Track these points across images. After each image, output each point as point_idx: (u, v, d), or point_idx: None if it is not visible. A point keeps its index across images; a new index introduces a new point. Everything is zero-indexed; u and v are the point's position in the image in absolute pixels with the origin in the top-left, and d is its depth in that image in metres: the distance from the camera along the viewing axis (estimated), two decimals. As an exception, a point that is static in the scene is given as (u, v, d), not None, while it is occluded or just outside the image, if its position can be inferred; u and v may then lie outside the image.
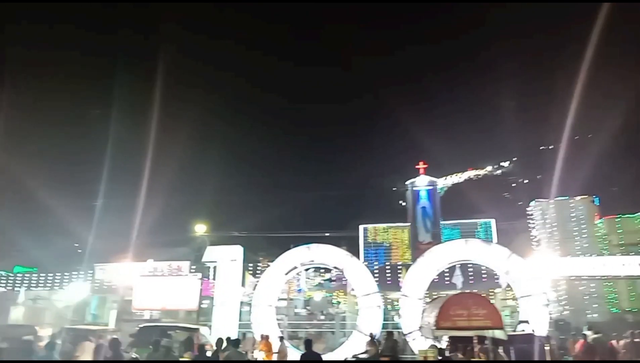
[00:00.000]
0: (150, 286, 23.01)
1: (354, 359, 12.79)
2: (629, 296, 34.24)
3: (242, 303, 22.31)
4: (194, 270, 25.91)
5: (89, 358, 11.45)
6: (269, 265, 20.43)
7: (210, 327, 19.35)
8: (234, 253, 20.85)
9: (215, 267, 21.12)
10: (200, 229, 27.81)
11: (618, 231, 39.52)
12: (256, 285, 20.40)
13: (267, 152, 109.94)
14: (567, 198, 41.64)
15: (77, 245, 39.88)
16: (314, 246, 19.63)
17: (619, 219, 40.35)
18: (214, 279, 21.32)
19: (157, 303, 22.78)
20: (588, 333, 14.44)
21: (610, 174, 56.66)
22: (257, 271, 27.24)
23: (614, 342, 14.75)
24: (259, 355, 13.78)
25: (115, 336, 11.93)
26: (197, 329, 16.75)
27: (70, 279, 30.09)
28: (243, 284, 23.96)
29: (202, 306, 22.59)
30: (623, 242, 37.65)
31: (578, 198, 41.77)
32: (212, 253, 20.96)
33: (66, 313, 26.82)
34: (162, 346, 11.15)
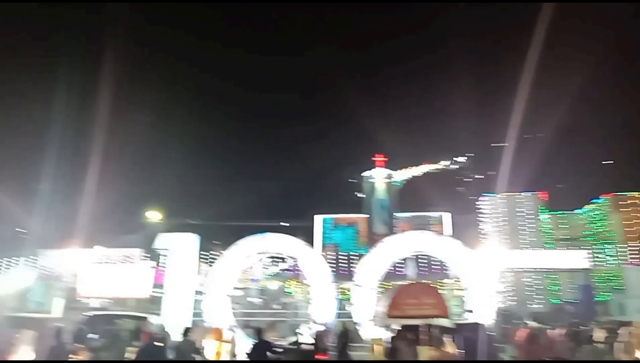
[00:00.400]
0: (99, 273, 22.33)
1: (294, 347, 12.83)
2: (569, 288, 36.05)
3: (196, 292, 22.00)
4: (146, 258, 25.31)
5: (28, 347, 11.00)
6: (222, 254, 20.19)
7: (160, 315, 18.97)
8: (189, 241, 20.52)
9: (167, 255, 20.69)
10: (154, 216, 27.11)
11: (562, 226, 41.55)
12: (209, 272, 20.16)
13: (225, 141, 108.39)
14: (515, 193, 43.33)
15: (20, 230, 38.15)
16: (269, 235, 19.58)
17: (563, 214, 42.42)
18: (165, 267, 20.88)
19: (106, 291, 22.15)
20: (531, 322, 15.14)
21: (558, 171, 59.37)
22: (212, 260, 26.92)
23: (555, 331, 15.53)
24: (209, 343, 13.64)
25: (59, 325, 11.52)
26: (145, 318, 16.39)
27: (13, 265, 28.77)
28: (198, 273, 23.61)
29: (154, 294, 22.11)
30: (567, 236, 39.62)
31: (526, 193, 43.57)
32: (165, 241, 20.53)
33: (7, 301, 25.62)
34: (111, 334, 10.90)
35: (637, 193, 37.84)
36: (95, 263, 23.83)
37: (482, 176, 75.07)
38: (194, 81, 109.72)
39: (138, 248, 27.42)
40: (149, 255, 24.62)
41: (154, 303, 21.37)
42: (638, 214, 36.98)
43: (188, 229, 24.07)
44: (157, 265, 22.82)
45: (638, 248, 34.50)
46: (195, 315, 19.61)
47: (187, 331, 10.91)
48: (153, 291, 22.07)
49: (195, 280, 21.09)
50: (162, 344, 10.54)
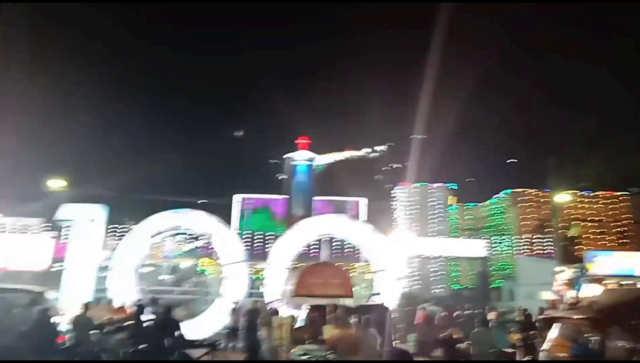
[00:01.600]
0: (-9, 243, 20.47)
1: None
2: (468, 274, 38.69)
3: (101, 268, 20.87)
4: (46, 229, 23.59)
5: None
6: (132, 227, 19.30)
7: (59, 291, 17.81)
8: (94, 212, 19.31)
9: (71, 227, 19.38)
10: (57, 184, 25.16)
11: (467, 217, 44.31)
12: (116, 247, 19.19)
13: (142, 108, 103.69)
14: (427, 184, 45.49)
15: None
16: (182, 211, 18.96)
17: (468, 206, 45.23)
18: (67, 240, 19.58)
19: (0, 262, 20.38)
20: (430, 306, 16.10)
21: (467, 166, 62.91)
22: (121, 234, 25.65)
23: (452, 313, 16.67)
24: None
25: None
26: (41, 293, 15.29)
27: None
28: (104, 247, 22.38)
29: (52, 269, 20.71)
30: (471, 227, 42.35)
31: (437, 185, 45.89)
32: (67, 211, 19.18)
33: None
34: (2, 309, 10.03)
35: (534, 190, 41.20)
36: (-14, 232, 21.81)
37: (400, 166, 78.12)
38: (113, 50, 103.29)
39: (38, 218, 25.51)
40: (50, 226, 22.96)
41: (51, 278, 20.02)
42: (533, 210, 40.32)
43: (95, 200, 22.71)
44: (59, 237, 21.37)
45: (530, 240, 37.72)
46: (99, 291, 18.59)
47: (86, 306, 10.32)
48: (53, 265, 20.67)
49: (99, 254, 19.98)
50: (55, 320, 9.89)
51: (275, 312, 12.16)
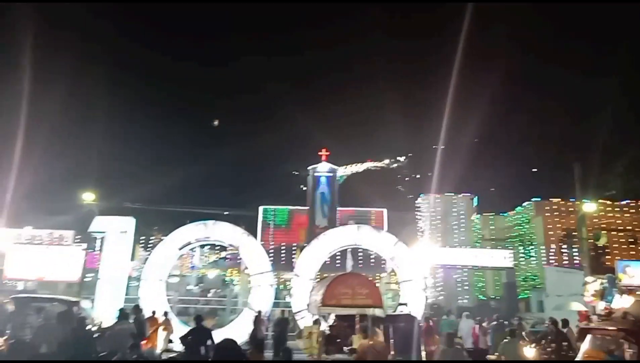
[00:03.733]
0: (27, 255, 21.08)
1: None
2: (494, 285, 38.01)
3: (131, 278, 21.29)
4: (78, 240, 24.17)
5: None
6: (162, 239, 19.67)
7: (92, 300, 18.22)
8: (125, 224, 19.78)
9: (102, 238, 19.87)
10: (88, 197, 25.83)
11: (491, 227, 43.64)
12: (147, 259, 19.57)
13: (169, 123, 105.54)
14: (450, 194, 45.06)
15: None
16: (210, 223, 19.24)
17: (492, 216, 44.57)
18: (100, 251, 20.04)
19: (34, 273, 20.95)
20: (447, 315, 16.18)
21: (490, 176, 62.14)
22: (149, 245, 26.08)
23: (483, 324, 16.52)
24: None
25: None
26: (77, 302, 15.66)
27: None
28: (133, 258, 22.83)
29: (86, 279, 21.20)
30: (494, 237, 41.68)
31: (460, 195, 45.39)
32: (101, 224, 19.69)
33: None
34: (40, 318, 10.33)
35: (559, 199, 40.40)
36: (24, 244, 22.47)
37: (420, 176, 77.47)
38: (135, 57, 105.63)
39: (71, 230, 26.11)
40: (82, 238, 23.53)
41: (85, 288, 20.50)
42: (559, 219, 39.53)
43: (125, 212, 23.22)
44: (91, 248, 21.87)
45: (557, 251, 36.93)
46: (128, 301, 18.95)
47: (127, 316, 10.53)
48: (85, 276, 21.16)
49: (130, 265, 20.39)
50: (93, 329, 10.11)
51: (317, 321, 12.20)
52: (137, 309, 12.29)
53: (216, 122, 72.46)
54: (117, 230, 19.49)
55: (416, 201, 47.55)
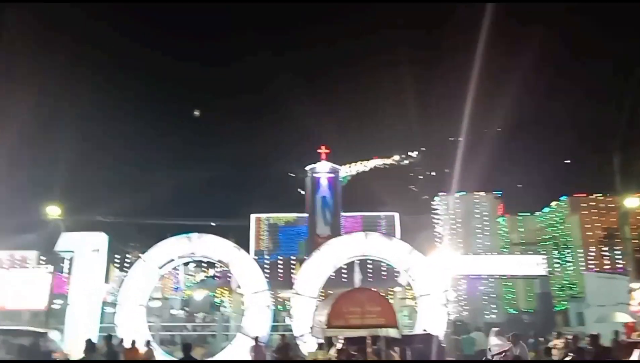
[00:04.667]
0: (-15, 281, 21.08)
1: None
2: (526, 296, 37.96)
3: (106, 303, 21.30)
4: (43, 262, 24.19)
5: None
6: (139, 257, 19.68)
7: (62, 331, 18.20)
8: (97, 241, 19.77)
9: (71, 259, 19.87)
10: (53, 211, 25.81)
11: (519, 229, 43.61)
12: (123, 280, 19.57)
13: (146, 124, 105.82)
14: (471, 193, 45.04)
15: None
16: (195, 236, 19.24)
17: (521, 217, 44.51)
18: (69, 273, 20.04)
19: (-5, 302, 20.94)
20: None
21: (516, 170, 62.15)
22: (126, 265, 26.08)
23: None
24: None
25: None
26: (44, 333, 15.67)
27: None
28: (107, 280, 22.85)
29: (54, 306, 21.18)
30: (523, 241, 41.63)
31: (483, 193, 45.39)
32: (68, 242, 19.68)
33: None
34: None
35: (599, 194, 40.16)
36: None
37: (435, 173, 77.37)
38: (110, 58, 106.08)
39: (34, 251, 26.14)
40: (48, 258, 23.53)
41: (53, 317, 20.47)
42: (599, 218, 39.32)
43: (97, 227, 23.23)
44: (58, 271, 21.88)
45: (597, 254, 36.89)
46: (104, 330, 18.94)
47: (90, 347, 10.52)
48: (53, 302, 21.14)
49: (104, 288, 20.40)
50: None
51: (323, 345, 12.18)
52: (108, 340, 12.26)
53: (197, 113, 72.62)
54: (87, 248, 19.46)
55: (432, 202, 47.55)
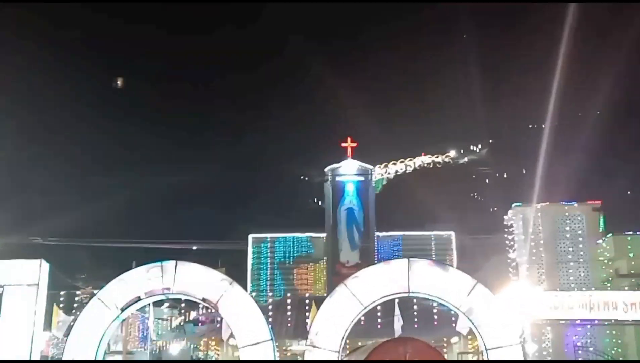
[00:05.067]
0: None
1: None
2: (638, 349, 37.39)
3: (47, 358, 21.45)
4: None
5: None
6: (93, 295, 19.77)
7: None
8: (33, 272, 19.88)
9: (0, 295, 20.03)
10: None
11: (629, 254, 42.95)
12: (71, 326, 19.68)
13: (94, 114, 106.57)
14: (559, 203, 44.59)
15: None
16: (170, 265, 19.27)
17: (630, 238, 43.83)
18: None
19: None
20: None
21: (623, 172, 61.26)
22: (74, 305, 26.26)
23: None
24: None
25: None
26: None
27: None
28: (50, 325, 22.98)
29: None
30: (634, 271, 41.00)
31: (575, 204, 44.89)
32: (-5, 273, 19.84)
33: None
34: None
35: None
36: None
37: (508, 176, 76.71)
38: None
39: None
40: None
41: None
42: None
43: (33, 253, 23.40)
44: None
45: None
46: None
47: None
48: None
49: (43, 337, 20.51)
50: None
51: None
52: None
53: (119, 82, 72.71)
54: (20, 282, 19.59)
55: (505, 216, 47.21)
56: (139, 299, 19.52)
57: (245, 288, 22.88)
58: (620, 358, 38.69)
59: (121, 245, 34.42)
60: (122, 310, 19.41)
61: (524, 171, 62.67)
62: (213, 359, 30.51)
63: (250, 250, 37.44)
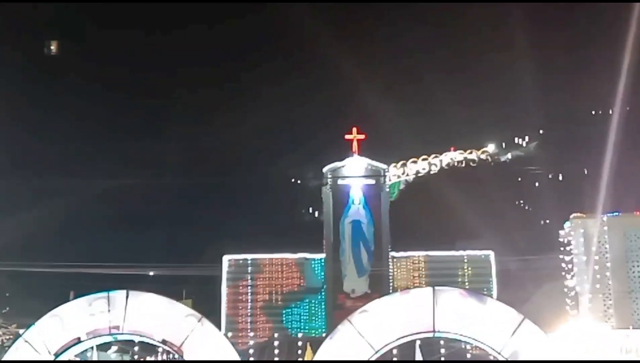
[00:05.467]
0: None
1: None
2: None
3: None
4: None
5: None
6: (18, 335, 19.85)
7: None
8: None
9: None
10: None
11: None
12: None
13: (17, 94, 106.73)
14: (633, 214, 44.71)
15: None
16: (119, 297, 19.34)
17: None
18: None
19: None
20: None
21: None
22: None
23: None
24: None
25: None
26: None
27: None
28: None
29: None
30: None
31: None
32: None
33: None
34: None
35: None
36: None
37: (564, 178, 76.63)
38: None
39: None
40: None
41: None
42: None
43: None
44: None
45: None
46: None
47: None
48: None
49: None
50: None
51: None
52: None
53: (53, 47, 72.88)
54: None
55: (560, 232, 47.43)
56: (78, 341, 19.59)
57: (218, 326, 22.93)
58: None
59: (55, 270, 34.51)
60: (57, 355, 19.47)
61: (585, 171, 62.75)
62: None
63: (225, 276, 37.62)
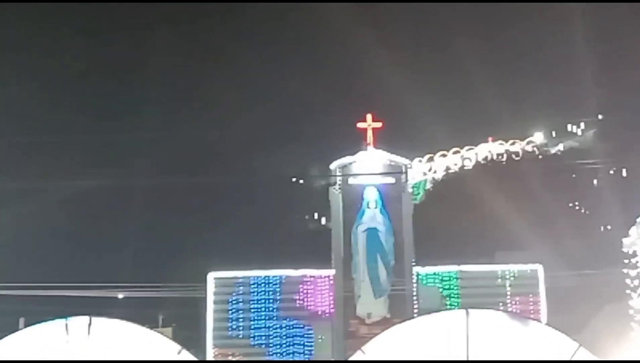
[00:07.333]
0: None
1: None
2: None
3: None
4: None
5: None
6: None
7: None
8: None
9: None
10: None
11: None
12: None
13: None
14: None
15: None
16: (79, 324, 19.49)
17: None
18: None
19: None
20: None
21: None
22: None
23: None
24: None
25: None
26: None
27: None
28: None
29: None
30: None
31: None
32: None
33: None
34: None
35: None
36: None
37: (629, 173, 76.60)
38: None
39: None
40: None
41: None
42: None
43: None
44: None
45: None
46: None
47: None
48: None
49: None
50: None
51: None
52: None
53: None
54: None
55: (624, 240, 47.51)
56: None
57: (204, 357, 23.05)
58: None
59: (1, 293, 34.70)
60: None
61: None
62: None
63: (210, 298, 37.67)
